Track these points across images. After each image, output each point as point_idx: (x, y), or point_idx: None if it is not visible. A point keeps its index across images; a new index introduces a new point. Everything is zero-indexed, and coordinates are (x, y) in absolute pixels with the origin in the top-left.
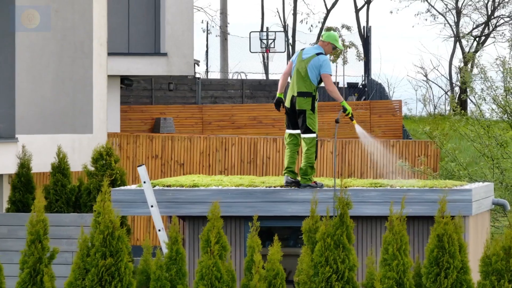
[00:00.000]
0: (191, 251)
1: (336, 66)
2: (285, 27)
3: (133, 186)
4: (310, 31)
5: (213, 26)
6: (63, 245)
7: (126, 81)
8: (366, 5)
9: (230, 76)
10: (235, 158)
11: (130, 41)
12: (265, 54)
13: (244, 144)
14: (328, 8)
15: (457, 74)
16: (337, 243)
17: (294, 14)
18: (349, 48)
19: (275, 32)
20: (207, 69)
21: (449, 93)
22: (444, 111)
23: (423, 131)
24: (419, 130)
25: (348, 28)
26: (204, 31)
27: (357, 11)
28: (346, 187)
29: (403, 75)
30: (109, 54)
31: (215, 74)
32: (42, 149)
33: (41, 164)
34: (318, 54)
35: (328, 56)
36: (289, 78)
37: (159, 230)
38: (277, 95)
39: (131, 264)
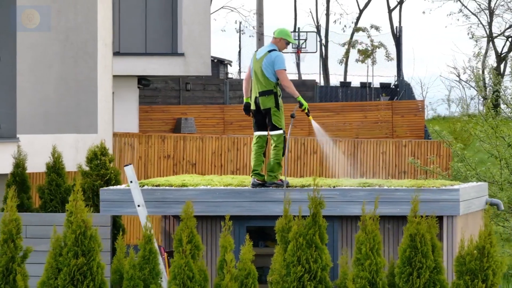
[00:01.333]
0: None
1: (367, 67)
2: (318, 27)
3: (122, 186)
4: (344, 31)
5: (246, 27)
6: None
7: (143, 81)
8: (398, 5)
9: None
10: (247, 158)
11: (148, 42)
12: (297, 54)
13: None
14: (361, 8)
15: (489, 74)
16: (309, 242)
17: (327, 15)
18: (378, 48)
19: (306, 32)
20: (239, 69)
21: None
22: (477, 111)
23: (433, 130)
24: (443, 130)
25: (377, 28)
26: (237, 32)
27: (389, 11)
28: (317, 186)
29: (436, 76)
30: (126, 54)
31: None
32: (44, 149)
33: (43, 164)
34: (270, 51)
35: (281, 52)
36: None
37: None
38: (244, 100)
39: (104, 263)
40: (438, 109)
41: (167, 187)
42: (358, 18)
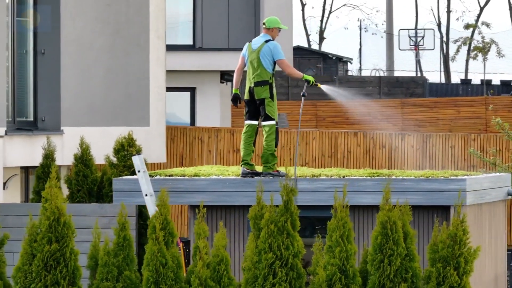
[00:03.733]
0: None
1: (484, 64)
2: (439, 25)
3: (135, 176)
4: (466, 28)
5: (369, 24)
6: (83, 235)
7: (226, 77)
8: None
9: (370, 73)
10: (316, 151)
11: (230, 37)
12: (414, 51)
13: (324, 138)
14: (481, 5)
15: None
16: (281, 229)
17: (448, 12)
18: (490, 45)
19: (424, 29)
20: (360, 67)
21: None
22: None
23: (495, 122)
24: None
25: (487, 25)
26: (361, 29)
27: (511, 8)
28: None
29: None
30: (209, 49)
31: (368, 72)
32: (90, 141)
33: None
34: (267, 41)
35: (276, 41)
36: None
37: None
38: (233, 91)
39: (78, 250)
40: None
41: (178, 177)
42: (478, 15)
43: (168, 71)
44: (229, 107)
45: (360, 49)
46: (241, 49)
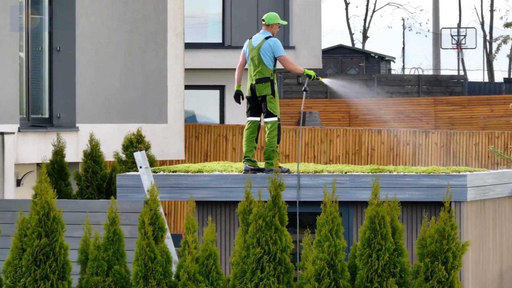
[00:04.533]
0: (202, 235)
1: None
2: (482, 24)
3: (138, 172)
4: (507, 27)
5: (413, 23)
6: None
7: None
8: None
9: (408, 72)
10: (340, 149)
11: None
12: (456, 50)
13: (349, 136)
14: None
15: None
16: (269, 224)
17: (491, 11)
18: None
19: (466, 28)
20: (403, 65)
21: None
22: None
23: None
24: None
25: None
26: (405, 28)
27: None
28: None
29: None
30: (238, 47)
31: (410, 71)
32: (106, 137)
33: (105, 153)
34: (267, 38)
35: (277, 38)
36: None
37: None
38: (235, 88)
39: (67, 244)
40: None
41: (181, 173)
42: None
43: (197, 69)
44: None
45: (403, 48)
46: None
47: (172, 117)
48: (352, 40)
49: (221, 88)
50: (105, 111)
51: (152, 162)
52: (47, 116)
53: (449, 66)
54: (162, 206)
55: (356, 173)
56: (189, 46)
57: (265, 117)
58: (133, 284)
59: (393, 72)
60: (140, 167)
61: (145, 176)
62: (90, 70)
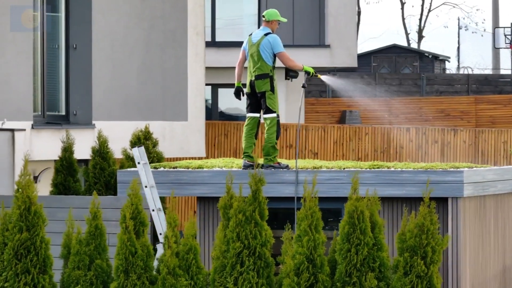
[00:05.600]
0: (202, 231)
1: None
2: None
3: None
4: None
5: (469, 23)
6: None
7: (291, 73)
8: None
9: (460, 71)
10: (369, 147)
11: (295, 34)
12: (510, 49)
13: (377, 134)
14: None
15: None
16: (249, 219)
17: None
18: None
19: None
20: (458, 65)
21: None
22: None
23: None
24: None
25: None
26: (461, 28)
27: None
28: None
29: None
30: None
31: (460, 70)
32: (123, 135)
33: (121, 150)
34: (266, 34)
35: (276, 34)
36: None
37: (153, 210)
38: (236, 84)
39: (49, 238)
40: None
41: (181, 169)
42: None
43: (232, 68)
44: (295, 103)
45: (458, 48)
46: (306, 46)
47: (192, 115)
48: (408, 40)
49: None
50: (122, 108)
51: (160, 158)
52: (63, 113)
53: (507, 66)
54: (163, 202)
55: (354, 169)
56: (224, 44)
57: (264, 113)
58: (114, 278)
59: (447, 71)
60: (138, 162)
61: (143, 172)
62: (106, 68)
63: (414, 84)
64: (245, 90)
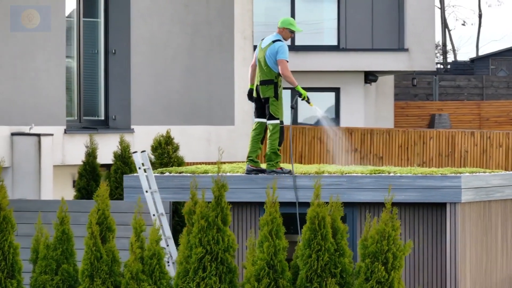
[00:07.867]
0: None
1: None
2: None
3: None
4: None
5: None
6: (120, 231)
7: (370, 77)
8: None
9: None
10: (433, 151)
11: (374, 37)
12: None
13: (442, 138)
14: None
15: None
16: (211, 224)
17: None
18: None
19: None
20: None
21: None
22: None
23: None
24: None
25: None
26: None
27: None
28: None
29: None
30: (353, 50)
31: None
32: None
33: None
34: (274, 41)
35: (284, 42)
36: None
37: (153, 215)
38: (249, 86)
39: (18, 244)
40: None
41: (185, 174)
42: None
43: (312, 72)
44: (374, 108)
45: None
46: (383, 50)
47: (239, 119)
48: None
49: (337, 90)
50: (165, 112)
51: (180, 163)
52: (102, 118)
53: None
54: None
55: (355, 174)
56: (303, 48)
57: (268, 119)
58: (80, 282)
59: None
60: (139, 168)
61: (143, 177)
62: (147, 72)
63: (474, 86)
64: (253, 95)
